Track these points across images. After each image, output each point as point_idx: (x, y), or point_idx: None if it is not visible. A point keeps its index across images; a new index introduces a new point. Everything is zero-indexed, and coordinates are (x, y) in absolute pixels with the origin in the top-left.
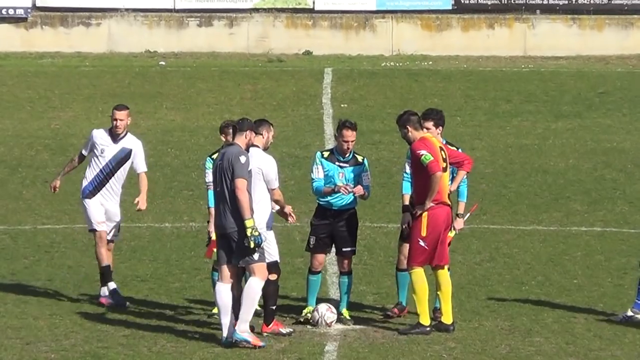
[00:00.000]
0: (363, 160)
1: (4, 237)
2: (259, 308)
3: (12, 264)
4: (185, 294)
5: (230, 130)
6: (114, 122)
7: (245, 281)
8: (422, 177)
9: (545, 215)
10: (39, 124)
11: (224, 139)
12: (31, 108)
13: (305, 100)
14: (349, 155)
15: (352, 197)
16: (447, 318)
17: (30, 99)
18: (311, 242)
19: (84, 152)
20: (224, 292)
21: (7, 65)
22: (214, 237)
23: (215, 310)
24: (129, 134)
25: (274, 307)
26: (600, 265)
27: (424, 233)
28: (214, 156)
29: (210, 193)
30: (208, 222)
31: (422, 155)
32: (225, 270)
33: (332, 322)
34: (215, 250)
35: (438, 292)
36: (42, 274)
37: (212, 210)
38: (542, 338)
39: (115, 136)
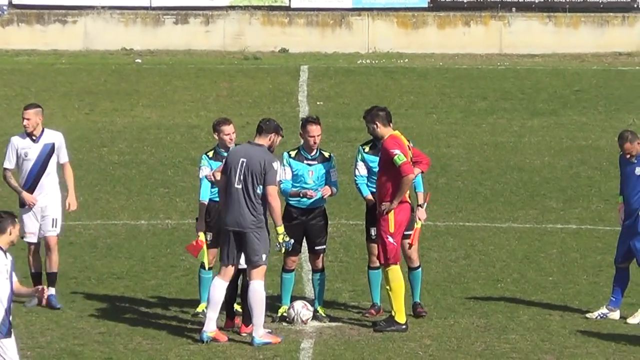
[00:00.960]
0: (330, 156)
1: None
2: (238, 309)
3: None
4: (161, 291)
5: (224, 128)
6: (23, 122)
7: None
8: (391, 175)
9: (520, 213)
10: (15, 121)
11: (216, 137)
12: (7, 105)
13: (282, 97)
14: (316, 152)
15: (321, 195)
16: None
17: (7, 97)
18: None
19: (9, 166)
20: (219, 287)
21: None
22: (202, 236)
23: (198, 310)
24: (46, 130)
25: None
26: (575, 263)
27: (392, 229)
28: (210, 153)
29: (205, 186)
30: (197, 219)
31: (395, 155)
32: (229, 268)
33: (307, 319)
34: (202, 247)
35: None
36: (18, 271)
37: (203, 205)
38: (518, 335)
39: (33, 136)
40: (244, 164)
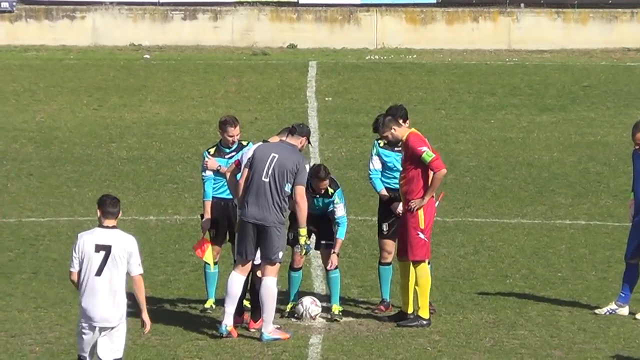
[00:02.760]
0: (335, 192)
1: None
2: (247, 304)
3: None
4: (169, 286)
5: (229, 129)
6: None
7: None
8: (418, 172)
9: (529, 209)
10: (24, 116)
11: (220, 134)
12: (16, 101)
13: (290, 93)
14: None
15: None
16: (409, 309)
17: (15, 92)
18: (290, 238)
19: None
20: (237, 281)
21: None
22: (207, 236)
23: (207, 305)
24: None
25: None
26: (584, 259)
27: (422, 225)
28: (211, 150)
29: (209, 186)
30: (202, 216)
31: (424, 152)
32: (247, 262)
33: (316, 315)
34: (208, 248)
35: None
36: (26, 266)
37: (208, 204)
38: (527, 331)
39: None
40: (275, 159)
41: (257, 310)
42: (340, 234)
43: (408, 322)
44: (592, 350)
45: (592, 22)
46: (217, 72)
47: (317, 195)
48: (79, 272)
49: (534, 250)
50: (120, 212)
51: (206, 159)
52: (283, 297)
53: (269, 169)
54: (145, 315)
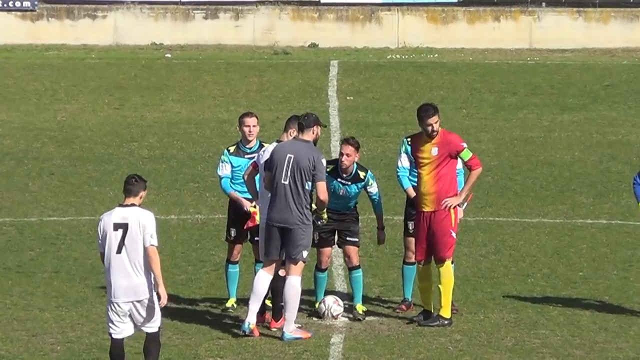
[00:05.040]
0: (366, 175)
1: (10, 229)
2: (269, 304)
3: (18, 256)
4: (190, 286)
5: (245, 119)
6: None
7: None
8: (452, 169)
9: (551, 208)
10: (45, 116)
11: (240, 130)
12: (37, 100)
13: (311, 92)
14: (350, 174)
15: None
16: (430, 308)
17: (37, 91)
18: (315, 238)
19: None
20: (263, 280)
21: (13, 57)
22: (251, 209)
23: (228, 305)
24: None
25: (283, 303)
26: (605, 258)
27: (453, 224)
28: (231, 149)
29: (226, 182)
30: (228, 213)
31: (465, 148)
32: (274, 262)
33: (338, 314)
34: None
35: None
36: (48, 266)
37: (234, 193)
38: (548, 330)
39: None
40: (292, 160)
41: (278, 310)
42: (379, 208)
43: (429, 322)
44: (613, 349)
45: (613, 21)
46: (238, 72)
47: (349, 183)
48: (103, 253)
49: (556, 249)
50: (143, 191)
51: (224, 160)
52: (306, 296)
53: (287, 170)
54: (161, 289)
